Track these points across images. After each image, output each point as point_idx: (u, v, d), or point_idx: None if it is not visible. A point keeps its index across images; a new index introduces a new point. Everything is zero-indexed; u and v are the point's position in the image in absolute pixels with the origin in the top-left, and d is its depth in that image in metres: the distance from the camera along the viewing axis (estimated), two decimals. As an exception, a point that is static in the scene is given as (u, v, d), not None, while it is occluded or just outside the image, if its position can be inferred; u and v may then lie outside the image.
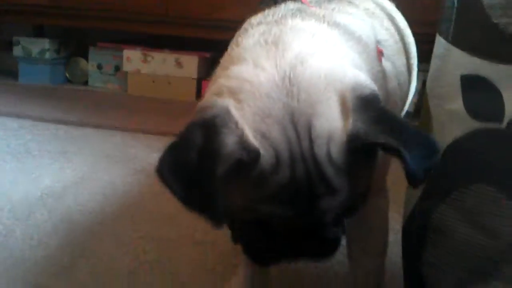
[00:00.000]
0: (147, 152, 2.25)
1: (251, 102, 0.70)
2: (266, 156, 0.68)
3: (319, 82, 0.71)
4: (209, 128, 0.67)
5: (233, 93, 0.72)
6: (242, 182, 0.70)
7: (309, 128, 0.69)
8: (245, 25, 0.97)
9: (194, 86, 3.60)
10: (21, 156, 2.11)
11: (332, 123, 0.70)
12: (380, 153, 0.83)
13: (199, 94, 3.66)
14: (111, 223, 1.56)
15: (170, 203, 1.69)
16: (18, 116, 2.69)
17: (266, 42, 0.79)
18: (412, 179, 0.68)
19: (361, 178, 0.76)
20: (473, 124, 0.88)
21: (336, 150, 0.69)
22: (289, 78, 0.71)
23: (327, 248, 0.82)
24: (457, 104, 0.89)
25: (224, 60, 0.87)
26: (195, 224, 1.52)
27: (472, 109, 0.88)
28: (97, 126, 2.62)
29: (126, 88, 3.73)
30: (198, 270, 1.30)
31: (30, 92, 3.36)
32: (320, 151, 0.69)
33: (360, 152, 0.70)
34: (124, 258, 1.36)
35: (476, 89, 0.87)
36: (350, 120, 0.69)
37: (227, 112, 0.69)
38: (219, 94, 0.74)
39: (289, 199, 0.71)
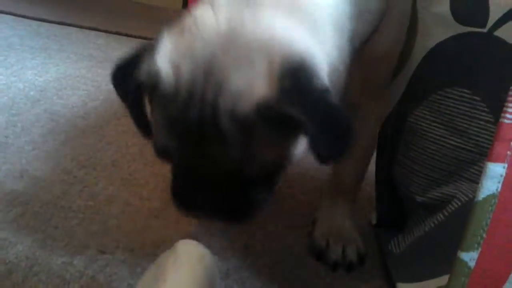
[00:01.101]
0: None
1: (185, 37, 0.73)
2: (166, 83, 0.71)
3: (253, 44, 0.70)
4: (141, 50, 0.75)
5: (182, 27, 0.75)
6: (155, 101, 0.75)
7: (222, 79, 0.69)
8: None
9: (181, -6, 3.51)
10: (3, 49, 2.08)
11: (248, 83, 0.68)
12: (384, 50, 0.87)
13: (185, 3, 3.57)
14: (94, 118, 1.57)
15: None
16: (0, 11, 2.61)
17: None
18: (317, 157, 0.68)
19: (264, 147, 0.72)
20: (456, 28, 0.90)
21: (241, 109, 0.68)
22: (230, 32, 0.71)
23: (222, 206, 0.79)
24: (444, 7, 0.91)
25: None
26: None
27: (458, 13, 0.90)
28: (80, 26, 2.57)
29: (111, -10, 3.61)
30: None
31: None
32: (224, 103, 0.68)
33: (269, 120, 0.68)
34: (107, 149, 1.39)
35: (464, -7, 0.88)
36: (267, 87, 0.67)
37: (160, 38, 0.75)
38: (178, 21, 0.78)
39: (180, 131, 0.72)
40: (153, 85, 0.72)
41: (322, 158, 0.69)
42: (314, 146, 0.67)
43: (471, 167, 0.91)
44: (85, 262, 0.95)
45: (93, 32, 2.54)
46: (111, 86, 1.63)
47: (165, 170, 1.29)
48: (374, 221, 1.15)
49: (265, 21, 0.72)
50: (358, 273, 1.02)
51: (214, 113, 0.69)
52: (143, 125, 0.78)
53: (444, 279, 0.83)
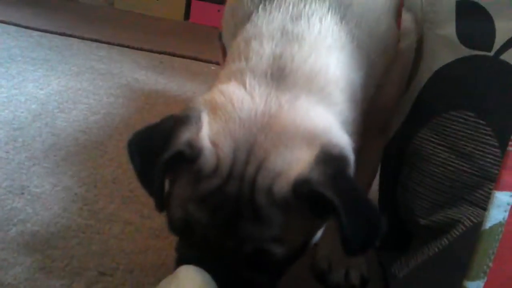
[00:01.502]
0: (133, 67, 2.23)
1: (224, 118, 0.74)
2: (208, 159, 0.72)
3: (292, 128, 0.73)
4: (177, 122, 0.74)
5: (215, 104, 0.76)
6: (184, 176, 0.75)
7: (262, 160, 0.71)
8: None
9: (183, 6, 3.52)
10: (4, 61, 2.07)
11: (286, 164, 0.71)
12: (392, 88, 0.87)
13: (187, 14, 3.58)
14: (96, 132, 1.57)
15: (154, 118, 1.71)
16: (2, 22, 2.61)
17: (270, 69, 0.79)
18: (346, 245, 0.69)
19: (297, 228, 0.74)
20: (462, 51, 0.89)
21: (279, 187, 0.70)
22: (268, 115, 0.73)
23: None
24: (450, 30, 0.90)
25: (233, 54, 0.85)
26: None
27: (464, 36, 0.89)
28: (82, 38, 2.57)
29: (113, 1, 3.63)
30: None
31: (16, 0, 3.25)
32: (262, 180, 0.70)
33: (305, 201, 0.70)
34: (108, 165, 1.38)
35: (470, 16, 0.88)
36: (306, 167, 0.70)
37: (199, 115, 0.75)
38: (206, 96, 0.79)
39: (214, 207, 0.72)
40: (193, 159, 0.72)
41: (351, 247, 0.70)
42: (345, 233, 0.67)
43: (475, 191, 0.90)
44: (85, 284, 0.94)
45: (95, 44, 2.54)
46: (112, 99, 1.63)
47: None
48: (377, 244, 1.13)
49: (302, 106, 0.75)
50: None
51: (252, 190, 0.70)
52: (161, 197, 0.76)
53: (448, 305, 0.82)
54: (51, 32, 2.58)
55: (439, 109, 0.93)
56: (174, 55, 2.48)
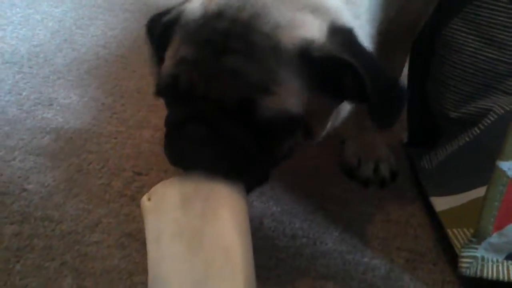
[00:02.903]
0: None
1: None
2: (194, 10, 0.72)
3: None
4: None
5: None
6: (174, 39, 0.74)
7: (262, 7, 0.69)
8: None
9: None
10: (16, -19, 2.03)
11: (292, 19, 0.68)
12: None
13: None
14: (115, 46, 1.56)
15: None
16: None
17: None
18: (373, 113, 0.69)
19: (291, 89, 0.69)
20: None
21: (284, 41, 0.67)
22: None
23: (227, 156, 0.71)
24: None
25: None
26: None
27: None
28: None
29: None
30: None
31: None
32: (260, 26, 0.68)
33: (310, 63, 0.68)
34: (131, 77, 1.38)
35: None
36: (317, 30, 0.68)
37: None
38: None
39: (201, 41, 0.69)
40: (178, 16, 0.73)
41: (378, 114, 0.70)
42: (368, 97, 0.67)
43: (507, 79, 0.90)
44: (123, 183, 0.97)
45: (104, -38, 2.47)
46: (127, 15, 1.60)
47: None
48: (405, 140, 1.14)
49: None
50: (390, 189, 1.03)
51: (246, 30, 0.67)
52: (157, 62, 0.78)
53: (477, 192, 0.84)
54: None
55: (470, -4, 0.91)
56: (186, -30, 2.41)
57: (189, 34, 0.71)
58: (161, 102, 1.25)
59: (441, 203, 0.91)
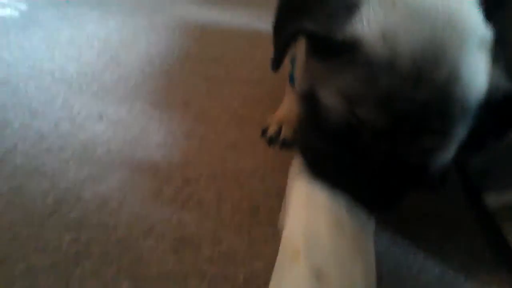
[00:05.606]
0: (185, 2, 2.24)
1: (398, 9, 0.66)
2: (377, 52, 0.64)
3: (468, 32, 0.67)
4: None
5: None
6: (338, 63, 0.68)
7: (454, 66, 0.63)
8: None
9: None
10: (60, 5, 2.12)
11: (474, 72, 0.65)
12: None
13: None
14: (159, 63, 1.60)
15: (211, 47, 1.73)
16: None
17: None
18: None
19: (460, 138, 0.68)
20: None
21: (474, 98, 0.65)
22: (449, 14, 0.66)
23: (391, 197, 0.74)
24: None
25: None
26: (242, 64, 1.56)
27: None
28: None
29: None
30: (248, 103, 1.36)
31: None
32: (460, 91, 0.64)
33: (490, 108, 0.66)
34: (176, 91, 1.42)
35: None
36: (491, 74, 0.66)
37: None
38: None
39: (399, 113, 0.63)
40: (351, 44, 0.66)
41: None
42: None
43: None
44: (174, 189, 0.99)
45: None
46: (169, 32, 1.63)
47: (236, 106, 1.31)
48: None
49: (468, 7, 0.70)
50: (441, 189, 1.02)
51: (446, 100, 0.64)
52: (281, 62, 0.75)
53: None
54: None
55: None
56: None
57: (380, 95, 0.64)
58: (206, 113, 1.28)
59: (495, 199, 0.90)
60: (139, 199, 0.96)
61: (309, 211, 0.71)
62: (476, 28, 0.67)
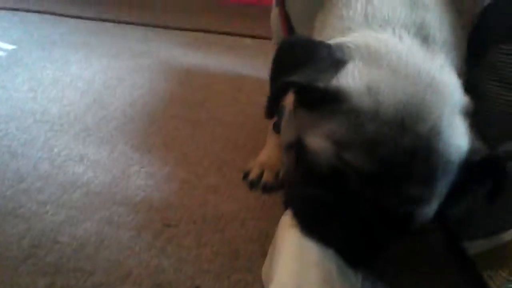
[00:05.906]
0: (170, 46, 2.26)
1: (385, 67, 0.72)
2: (364, 101, 0.68)
3: (449, 96, 0.73)
4: (331, 55, 0.73)
5: (371, 50, 0.74)
6: (327, 113, 0.71)
7: (435, 122, 0.69)
8: None
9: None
10: (45, 46, 2.13)
11: (456, 132, 0.71)
12: None
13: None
14: (142, 105, 1.61)
15: (195, 90, 1.75)
16: (38, 11, 2.68)
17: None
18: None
19: (443, 192, 0.72)
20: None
21: (457, 155, 0.70)
22: (432, 77, 0.72)
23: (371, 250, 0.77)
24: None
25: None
26: (225, 108, 1.57)
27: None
28: (117, 22, 2.62)
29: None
30: (230, 147, 1.36)
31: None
32: (441, 145, 0.68)
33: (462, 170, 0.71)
34: (158, 133, 1.42)
35: None
36: (471, 138, 0.72)
37: (346, 54, 0.74)
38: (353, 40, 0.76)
39: (385, 159, 0.67)
40: (338, 95, 0.70)
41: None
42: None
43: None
44: (152, 235, 0.98)
45: (129, 26, 2.58)
46: (154, 75, 1.66)
47: (217, 150, 1.31)
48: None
49: (448, 73, 0.76)
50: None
51: (429, 151, 0.68)
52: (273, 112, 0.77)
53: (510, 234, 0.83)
54: (87, 18, 2.63)
55: (489, 43, 0.93)
56: (208, 31, 2.50)
57: (367, 141, 0.67)
58: (187, 156, 1.28)
59: (474, 247, 0.90)
60: (117, 243, 0.95)
61: (301, 265, 0.72)
62: (455, 94, 0.73)
